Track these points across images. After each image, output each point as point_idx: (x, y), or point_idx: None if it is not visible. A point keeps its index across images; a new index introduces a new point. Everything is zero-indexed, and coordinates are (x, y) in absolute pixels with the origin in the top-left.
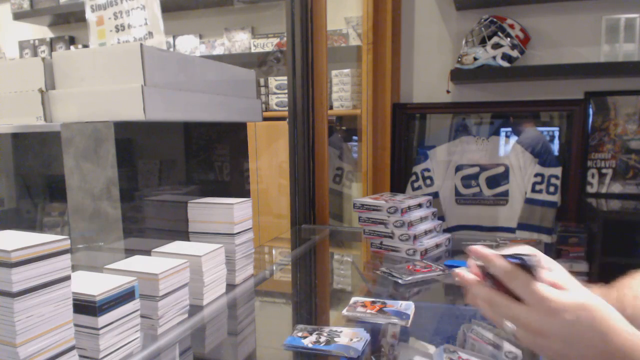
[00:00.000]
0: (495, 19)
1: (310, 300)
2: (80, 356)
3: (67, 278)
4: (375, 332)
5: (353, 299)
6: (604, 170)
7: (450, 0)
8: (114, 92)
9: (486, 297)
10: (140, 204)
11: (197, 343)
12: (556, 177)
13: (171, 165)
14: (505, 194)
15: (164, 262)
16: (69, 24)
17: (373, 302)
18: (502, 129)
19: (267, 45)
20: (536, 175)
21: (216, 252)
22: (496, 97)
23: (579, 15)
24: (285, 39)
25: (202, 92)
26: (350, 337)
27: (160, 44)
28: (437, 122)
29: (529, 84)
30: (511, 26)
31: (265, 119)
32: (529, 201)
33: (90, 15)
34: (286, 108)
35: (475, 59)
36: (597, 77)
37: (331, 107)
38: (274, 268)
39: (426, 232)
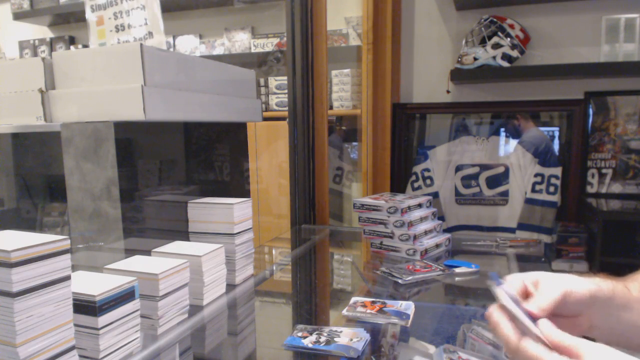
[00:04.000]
0: (495, 19)
1: (310, 300)
2: (80, 356)
3: (67, 278)
4: (375, 332)
5: (353, 299)
6: (604, 170)
7: (450, 0)
8: (114, 92)
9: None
10: (140, 204)
11: (197, 343)
12: (556, 177)
13: (171, 165)
14: (505, 194)
15: (164, 262)
16: (69, 24)
17: (373, 302)
18: (502, 129)
19: (267, 45)
20: (536, 175)
21: (216, 252)
22: (496, 97)
23: (579, 15)
24: (285, 39)
25: (202, 92)
26: (350, 337)
27: (160, 44)
28: (437, 122)
29: (529, 84)
30: (511, 26)
31: (265, 119)
32: (529, 201)
33: (90, 15)
34: (286, 108)
35: (475, 59)
36: (597, 77)
37: (331, 107)
38: (274, 268)
39: (426, 232)
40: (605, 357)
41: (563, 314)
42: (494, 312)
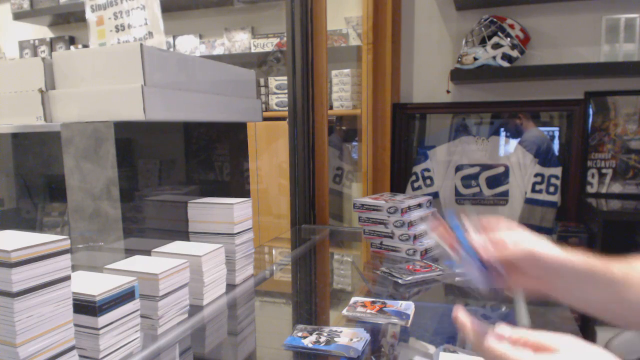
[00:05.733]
0: (495, 19)
1: (310, 300)
2: (80, 356)
3: (67, 278)
4: (375, 332)
5: (353, 299)
6: (604, 170)
7: (450, 0)
8: (114, 92)
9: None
10: (140, 204)
11: (197, 343)
12: (556, 177)
13: (171, 165)
14: (505, 194)
15: (164, 262)
16: (69, 24)
17: (373, 302)
18: (502, 129)
19: (267, 45)
20: (536, 175)
21: (216, 252)
22: (496, 97)
23: (579, 15)
24: (285, 39)
25: (202, 92)
26: (350, 337)
27: (160, 44)
28: (437, 122)
29: (529, 84)
30: (511, 26)
31: (265, 119)
32: (529, 201)
33: (90, 15)
34: (286, 108)
35: (475, 59)
36: (597, 77)
37: (331, 107)
38: (274, 268)
39: (426, 232)
40: (581, 350)
41: (531, 273)
42: (459, 313)
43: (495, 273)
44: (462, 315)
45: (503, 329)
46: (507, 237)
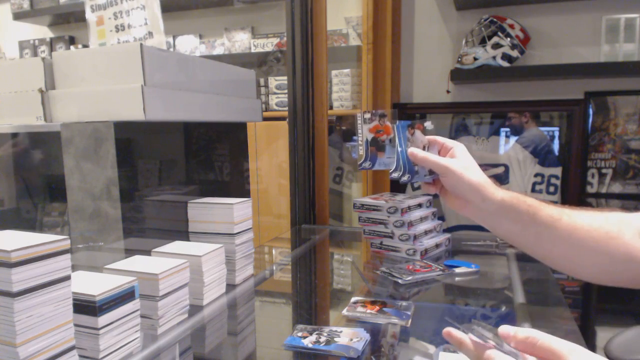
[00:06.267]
0: (495, 19)
1: (310, 300)
2: (80, 356)
3: (67, 278)
4: (375, 332)
5: (353, 299)
6: (604, 170)
7: (450, 0)
8: (114, 92)
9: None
10: (140, 204)
11: (197, 343)
12: (556, 177)
13: (171, 165)
14: None
15: (164, 262)
16: (69, 24)
17: (373, 302)
18: (502, 129)
19: (267, 45)
20: (536, 175)
21: (216, 252)
22: (496, 97)
23: (579, 15)
24: (285, 39)
25: (202, 92)
26: (350, 337)
27: (160, 44)
28: (437, 122)
29: (529, 84)
30: (511, 26)
31: (265, 119)
32: None
33: (90, 15)
34: (286, 108)
35: (475, 59)
36: (597, 77)
37: (331, 107)
38: (274, 268)
39: (426, 232)
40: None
41: (449, 188)
42: (453, 331)
43: (421, 175)
44: (455, 333)
45: (507, 328)
46: (447, 153)
